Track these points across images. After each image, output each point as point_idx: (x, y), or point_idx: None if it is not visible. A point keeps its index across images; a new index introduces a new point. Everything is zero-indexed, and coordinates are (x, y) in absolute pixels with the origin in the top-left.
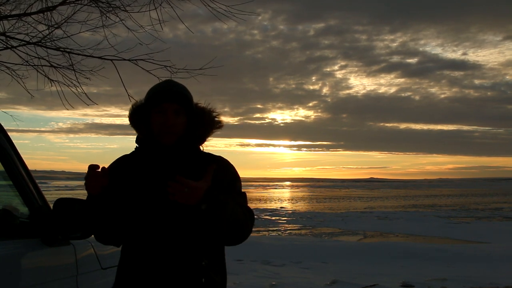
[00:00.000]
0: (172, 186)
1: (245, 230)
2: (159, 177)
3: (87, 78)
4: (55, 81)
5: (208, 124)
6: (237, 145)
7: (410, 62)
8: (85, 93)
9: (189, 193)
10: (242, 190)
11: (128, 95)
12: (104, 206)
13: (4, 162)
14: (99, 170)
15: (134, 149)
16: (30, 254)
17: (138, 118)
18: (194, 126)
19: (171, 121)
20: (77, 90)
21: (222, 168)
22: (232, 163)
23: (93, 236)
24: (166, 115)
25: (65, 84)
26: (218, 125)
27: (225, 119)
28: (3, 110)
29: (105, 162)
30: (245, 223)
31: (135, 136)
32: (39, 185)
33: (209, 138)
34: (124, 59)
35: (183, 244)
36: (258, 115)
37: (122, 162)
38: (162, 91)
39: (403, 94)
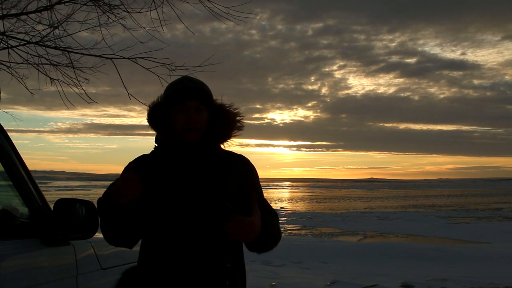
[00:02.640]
0: (228, 226)
1: (279, 240)
2: (183, 175)
3: (87, 79)
4: (56, 79)
5: (229, 122)
6: (236, 145)
7: (409, 62)
8: (85, 92)
9: (245, 230)
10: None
11: (128, 93)
12: (129, 215)
13: (4, 162)
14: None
15: (153, 149)
16: (30, 254)
17: (157, 117)
18: (215, 123)
19: (195, 118)
20: (77, 88)
21: (244, 169)
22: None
23: (93, 236)
24: (189, 113)
25: (65, 83)
26: (240, 125)
27: None
28: (2, 110)
29: (105, 163)
30: (280, 234)
31: (135, 136)
32: (39, 185)
33: (232, 138)
34: (124, 57)
35: (208, 246)
36: (257, 115)
37: (142, 162)
38: (183, 88)
39: (402, 94)
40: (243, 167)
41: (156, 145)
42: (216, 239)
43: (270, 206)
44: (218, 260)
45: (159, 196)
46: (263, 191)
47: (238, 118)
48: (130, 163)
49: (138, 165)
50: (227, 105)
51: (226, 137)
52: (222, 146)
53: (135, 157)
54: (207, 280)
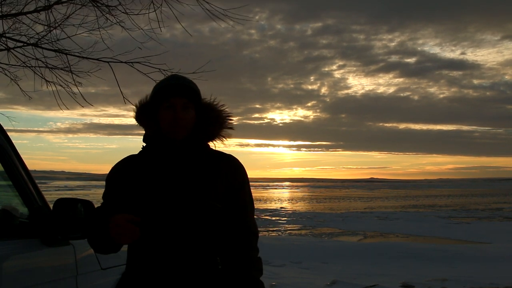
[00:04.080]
0: None
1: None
2: (169, 173)
3: (80, 83)
4: (52, 82)
5: (217, 120)
6: (236, 145)
7: (409, 61)
8: (81, 94)
9: None
10: (250, 192)
11: (124, 97)
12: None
13: (4, 162)
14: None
15: (141, 149)
16: (29, 254)
17: (145, 116)
18: (203, 121)
19: (181, 116)
20: (73, 91)
21: (233, 169)
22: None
23: None
24: (175, 110)
25: (61, 86)
26: (228, 123)
27: None
28: (1, 110)
29: (105, 162)
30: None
31: (135, 136)
32: (38, 185)
33: (222, 138)
34: (121, 62)
35: (197, 247)
36: (256, 115)
37: (129, 162)
38: (170, 86)
39: (402, 94)
40: (231, 166)
41: (144, 144)
42: (205, 240)
43: (251, 222)
44: (208, 261)
45: (145, 196)
46: (262, 192)
47: (227, 116)
48: (115, 166)
49: (124, 165)
50: (215, 103)
51: (214, 135)
52: (211, 144)
53: (123, 158)
54: (197, 281)
